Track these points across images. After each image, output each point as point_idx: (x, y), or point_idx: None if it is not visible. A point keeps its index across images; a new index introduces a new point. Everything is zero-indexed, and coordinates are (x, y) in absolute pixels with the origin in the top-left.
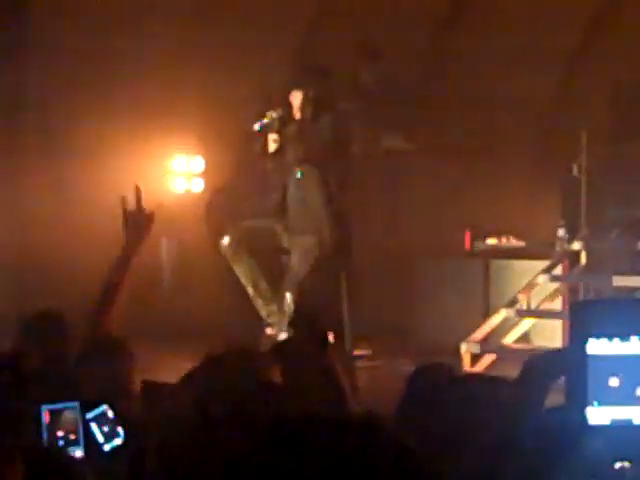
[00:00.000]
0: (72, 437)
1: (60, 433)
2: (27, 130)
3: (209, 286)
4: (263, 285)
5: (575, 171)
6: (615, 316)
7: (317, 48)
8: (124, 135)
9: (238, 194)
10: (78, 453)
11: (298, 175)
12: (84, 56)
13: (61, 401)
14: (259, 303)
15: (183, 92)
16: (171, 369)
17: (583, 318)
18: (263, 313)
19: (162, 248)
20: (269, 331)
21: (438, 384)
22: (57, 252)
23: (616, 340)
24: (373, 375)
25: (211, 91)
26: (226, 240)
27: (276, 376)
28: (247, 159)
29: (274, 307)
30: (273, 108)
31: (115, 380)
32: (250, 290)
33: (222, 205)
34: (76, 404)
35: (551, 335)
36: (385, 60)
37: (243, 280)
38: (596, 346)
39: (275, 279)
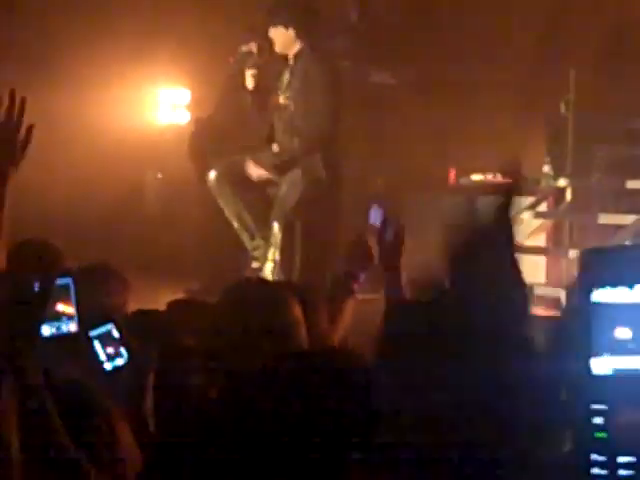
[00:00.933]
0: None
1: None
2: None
3: (194, 219)
4: (248, 219)
5: (562, 108)
6: (624, 264)
7: None
8: (109, 66)
9: (221, 126)
10: (72, 327)
11: (287, 113)
12: None
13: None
14: (245, 236)
15: (169, 24)
16: (161, 301)
17: (591, 265)
18: (249, 246)
19: (146, 180)
20: (255, 265)
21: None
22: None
23: (624, 288)
24: (360, 309)
25: (197, 23)
26: (212, 174)
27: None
28: (229, 93)
29: (260, 241)
30: (252, 41)
31: (112, 304)
32: (235, 224)
33: (206, 136)
34: (69, 279)
35: (534, 272)
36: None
37: (228, 214)
38: (603, 294)
39: (261, 213)
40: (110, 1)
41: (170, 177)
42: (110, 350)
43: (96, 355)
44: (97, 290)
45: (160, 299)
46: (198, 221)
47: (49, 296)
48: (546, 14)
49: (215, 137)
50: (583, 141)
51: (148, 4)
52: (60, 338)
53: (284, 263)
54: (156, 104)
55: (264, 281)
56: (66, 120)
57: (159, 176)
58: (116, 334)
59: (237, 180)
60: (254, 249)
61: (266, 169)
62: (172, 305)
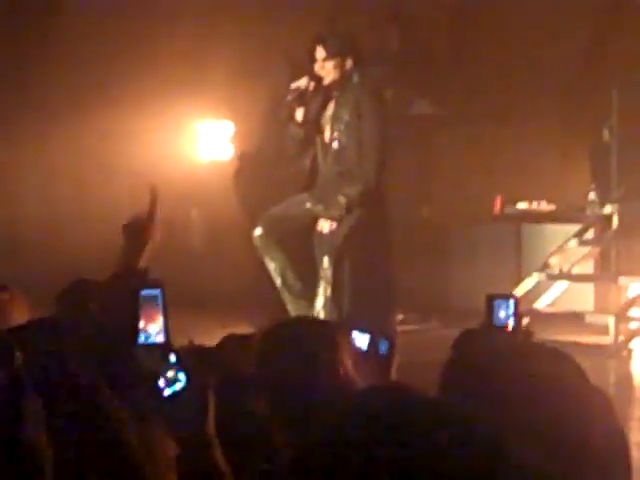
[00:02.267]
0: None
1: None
2: (57, 88)
3: (239, 254)
4: (292, 279)
5: (606, 135)
6: None
7: (345, 13)
8: (153, 99)
9: (266, 160)
10: (160, 338)
11: (336, 146)
12: (118, 17)
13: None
14: (287, 297)
15: (213, 56)
16: (203, 335)
17: None
18: (290, 307)
19: (192, 216)
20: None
21: (493, 350)
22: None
23: None
24: (407, 340)
25: (241, 56)
26: (257, 231)
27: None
28: (275, 126)
29: (303, 302)
30: (300, 75)
31: None
32: (278, 282)
33: (249, 172)
34: (157, 291)
35: (583, 299)
36: (414, 25)
37: (272, 271)
38: None
39: (307, 273)
40: (151, 36)
41: (214, 213)
42: (168, 375)
43: (155, 380)
44: None
45: (208, 335)
46: (243, 256)
47: (139, 305)
48: (587, 42)
49: (260, 168)
50: (627, 167)
51: (189, 38)
52: (148, 347)
53: (335, 298)
54: (199, 138)
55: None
56: (111, 155)
57: (201, 212)
58: (173, 358)
59: (282, 237)
60: (295, 311)
61: (318, 216)
62: (227, 339)
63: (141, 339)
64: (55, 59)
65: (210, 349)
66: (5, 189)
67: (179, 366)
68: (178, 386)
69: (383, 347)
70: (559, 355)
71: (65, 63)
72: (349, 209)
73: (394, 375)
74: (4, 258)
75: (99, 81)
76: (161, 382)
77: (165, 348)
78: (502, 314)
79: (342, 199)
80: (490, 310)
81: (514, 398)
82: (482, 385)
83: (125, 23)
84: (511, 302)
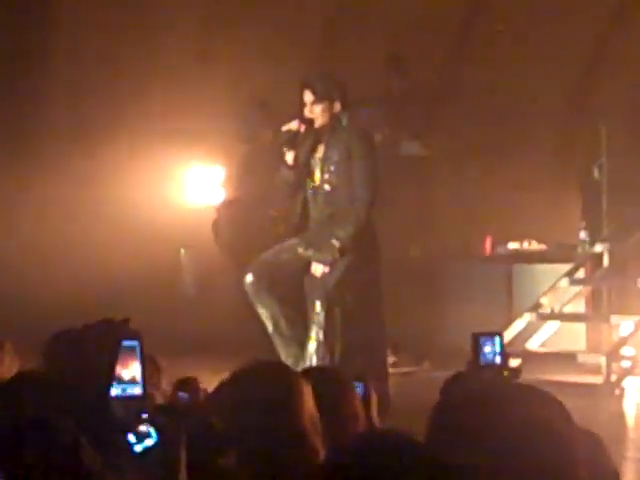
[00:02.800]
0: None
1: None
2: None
3: (230, 299)
4: (284, 325)
5: (596, 173)
6: None
7: (338, 55)
8: (141, 147)
9: (247, 206)
10: (137, 391)
11: (327, 188)
12: (111, 60)
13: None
14: (279, 342)
15: (204, 101)
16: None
17: None
18: (282, 354)
19: (181, 259)
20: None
21: (480, 395)
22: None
23: None
24: (399, 382)
25: (232, 100)
26: (248, 278)
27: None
28: (255, 170)
29: (295, 347)
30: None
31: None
32: (270, 328)
33: (230, 219)
34: (135, 342)
35: (574, 338)
36: (410, 67)
37: (263, 318)
38: None
39: (299, 319)
40: (141, 82)
41: (205, 257)
42: (140, 429)
43: (126, 436)
44: None
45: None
46: (233, 299)
47: (117, 355)
48: (575, 78)
49: (240, 215)
50: (618, 205)
51: (179, 82)
52: (125, 400)
53: (328, 343)
54: (191, 183)
55: (279, 364)
56: (102, 199)
57: (192, 254)
58: (145, 414)
59: (273, 283)
60: (287, 357)
61: (309, 260)
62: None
63: (118, 391)
64: (47, 96)
65: (183, 404)
66: None
67: (151, 422)
68: (149, 442)
69: (359, 390)
70: (545, 397)
71: (56, 101)
72: (342, 252)
73: (375, 417)
74: None
75: (87, 123)
76: (132, 437)
77: (141, 402)
78: (488, 352)
79: (335, 243)
80: (476, 348)
81: (500, 443)
82: (468, 430)
83: (119, 67)
84: (497, 340)
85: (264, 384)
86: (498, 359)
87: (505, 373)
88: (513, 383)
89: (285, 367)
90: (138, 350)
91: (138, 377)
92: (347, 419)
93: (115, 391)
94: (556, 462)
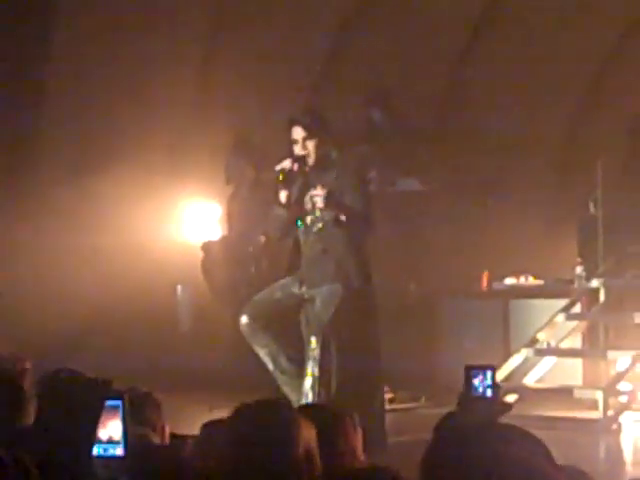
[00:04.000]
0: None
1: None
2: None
3: (227, 336)
4: (284, 362)
5: (592, 208)
6: None
7: (327, 94)
8: (141, 184)
9: (231, 244)
10: (119, 451)
11: (319, 226)
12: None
13: None
14: (281, 379)
15: (199, 137)
16: (191, 419)
17: None
18: (286, 389)
19: (178, 296)
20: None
21: (469, 432)
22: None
23: None
24: (397, 419)
25: (228, 137)
26: (244, 320)
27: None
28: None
29: (298, 381)
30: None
31: (145, 433)
32: (270, 366)
33: (215, 258)
34: (119, 402)
35: (571, 373)
36: (397, 102)
37: (263, 358)
38: None
39: (297, 355)
40: (140, 118)
41: (203, 292)
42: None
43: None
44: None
45: (194, 419)
46: (232, 340)
47: (99, 414)
48: (571, 112)
49: (228, 252)
50: (614, 239)
51: (179, 119)
52: (106, 460)
53: (323, 378)
54: (188, 219)
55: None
56: (99, 235)
57: (189, 291)
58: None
59: (269, 322)
60: (292, 392)
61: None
62: (205, 427)
63: (99, 451)
64: (45, 135)
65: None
66: None
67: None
68: None
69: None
70: (526, 436)
71: (54, 140)
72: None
73: (361, 454)
74: None
75: (82, 159)
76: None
77: (122, 462)
78: (480, 384)
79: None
80: (468, 381)
81: None
82: (453, 469)
83: (112, 106)
84: (489, 373)
85: (260, 421)
86: (489, 392)
87: (496, 407)
88: (495, 422)
89: (281, 404)
90: (121, 410)
91: (117, 437)
92: (344, 454)
93: (96, 450)
94: None
